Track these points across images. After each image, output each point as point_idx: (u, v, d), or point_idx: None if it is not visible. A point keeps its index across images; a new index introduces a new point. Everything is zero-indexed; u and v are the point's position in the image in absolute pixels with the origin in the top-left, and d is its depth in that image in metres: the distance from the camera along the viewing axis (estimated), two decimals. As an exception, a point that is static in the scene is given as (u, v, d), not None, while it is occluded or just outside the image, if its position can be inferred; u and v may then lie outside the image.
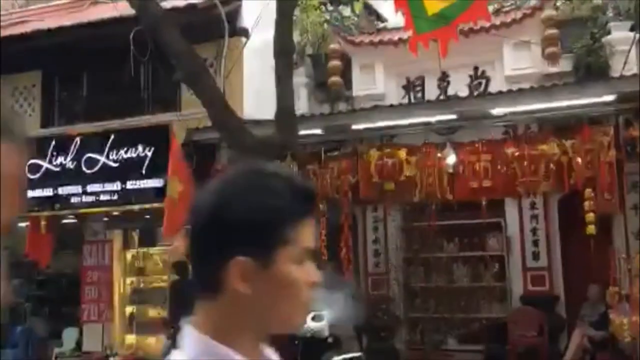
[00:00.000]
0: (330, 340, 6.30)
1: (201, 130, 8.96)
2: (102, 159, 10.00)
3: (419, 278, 10.78)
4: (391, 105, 8.75)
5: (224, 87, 9.16)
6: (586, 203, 8.00)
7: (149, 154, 9.72)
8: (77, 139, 10.18)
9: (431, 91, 9.89)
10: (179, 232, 9.26)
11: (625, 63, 8.44)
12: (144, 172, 9.69)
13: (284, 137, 7.63)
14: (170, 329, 9.09)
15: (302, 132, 8.32)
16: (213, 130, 8.26)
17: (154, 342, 10.31)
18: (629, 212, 9.18)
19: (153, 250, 11.06)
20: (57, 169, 10.22)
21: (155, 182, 9.53)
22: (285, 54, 7.33)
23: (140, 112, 10.12)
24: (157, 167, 9.41)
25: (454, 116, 8.29)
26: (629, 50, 8.54)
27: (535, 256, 10.27)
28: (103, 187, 9.94)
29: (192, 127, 9.12)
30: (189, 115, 9.32)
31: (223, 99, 7.88)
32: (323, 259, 8.81)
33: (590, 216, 8.04)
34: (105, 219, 10.52)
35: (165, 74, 9.13)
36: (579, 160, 8.08)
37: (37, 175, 10.07)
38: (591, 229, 8.02)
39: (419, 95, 10.06)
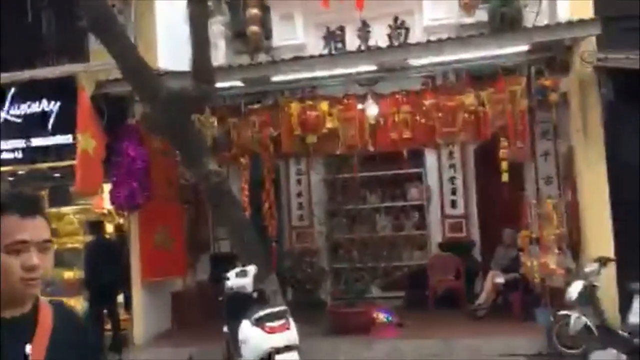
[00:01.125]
0: (254, 295, 6.25)
1: (112, 82, 8.46)
2: (3, 114, 9.30)
3: (342, 229, 10.91)
4: (312, 57, 8.58)
5: (135, 35, 8.66)
6: (501, 152, 8.26)
7: (55, 108, 9.11)
8: (-26, 93, 9.39)
9: (352, 42, 9.78)
10: (96, 189, 8.84)
11: (537, 14, 8.63)
12: (50, 128, 9.11)
13: (201, 90, 7.34)
14: (87, 290, 8.78)
15: (221, 85, 8.04)
16: (125, 83, 7.83)
17: (71, 303, 9.94)
18: (539, 159, 9.59)
19: (65, 210, 10.54)
20: (-47, 126, 9.43)
21: (63, 139, 8.98)
22: (199, 0, 6.97)
23: (44, 63, 9.42)
24: (65, 123, 8.85)
25: (374, 67, 8.24)
26: (541, 2, 8.74)
27: (453, 204, 10.61)
28: (6, 144, 9.28)
29: (101, 78, 8.59)
30: (97, 66, 8.76)
31: (134, 48, 7.44)
32: (247, 213, 8.70)
33: (504, 164, 8.32)
34: (11, 178, 9.87)
35: (69, 21, 8.51)
36: (494, 109, 8.28)
37: None
38: (505, 176, 8.31)
39: (340, 45, 9.93)
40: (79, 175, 8.32)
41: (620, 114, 7.47)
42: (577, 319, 6.81)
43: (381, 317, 8.13)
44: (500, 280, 8.80)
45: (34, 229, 1.53)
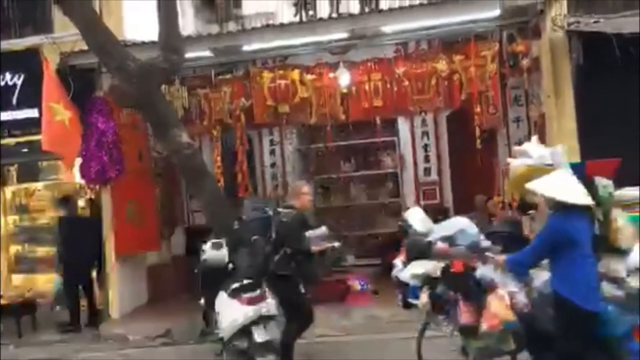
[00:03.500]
0: (230, 267, 6.23)
1: (77, 54, 8.24)
2: (-36, 88, 9.00)
3: (317, 199, 10.90)
4: (282, 24, 8.44)
5: (100, 5, 8.41)
6: (475, 117, 8.29)
7: (19, 81, 8.84)
8: None
9: (323, 9, 9.64)
10: (74, 160, 8.65)
11: (509, -22, 8.58)
12: (15, 102, 8.84)
13: (169, 61, 7.19)
14: (62, 267, 8.69)
15: (190, 55, 7.87)
16: (91, 54, 7.62)
17: (44, 280, 9.84)
18: (511, 125, 9.65)
19: (35, 185, 10.34)
20: None
21: (29, 112, 8.73)
22: (165, -33, 6.78)
23: (6, 34, 9.09)
24: (30, 96, 8.59)
25: (346, 35, 8.15)
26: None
27: (427, 171, 10.68)
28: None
29: (66, 50, 8.35)
30: (62, 37, 8.49)
31: (98, 18, 7.24)
32: (220, 184, 8.63)
33: (477, 130, 8.36)
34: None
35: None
36: (467, 75, 8.28)
37: None
38: (477, 142, 8.37)
39: (311, 13, 9.78)
40: (49, 141, 8.08)
41: (591, 79, 7.52)
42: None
43: (356, 285, 8.20)
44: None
45: None
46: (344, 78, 8.67)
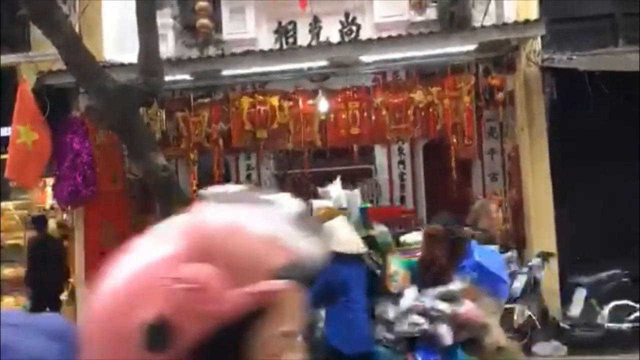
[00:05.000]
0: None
1: (55, 73, 8.17)
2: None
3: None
4: (262, 51, 8.50)
5: (80, 25, 8.38)
6: (451, 148, 8.41)
7: (-5, 99, 8.73)
8: None
9: (303, 37, 9.74)
10: (32, 184, 8.52)
11: (485, 14, 8.80)
12: (-11, 120, 8.72)
13: (148, 83, 7.16)
14: (30, 288, 8.48)
15: (170, 78, 7.88)
16: (69, 74, 7.56)
17: (12, 302, 9.58)
18: (485, 157, 9.79)
19: (6, 204, 10.13)
20: None
21: (3, 131, 8.61)
22: (147, -9, 6.80)
23: (-17, 53, 9.00)
24: (4, 115, 8.48)
25: (325, 62, 8.25)
26: (489, 2, 8.91)
27: (402, 200, 10.73)
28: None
29: (44, 69, 8.28)
30: (39, 56, 8.43)
31: (77, 38, 7.20)
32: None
33: (452, 161, 8.47)
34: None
35: (9, 9, 8.16)
36: (443, 107, 8.42)
37: None
38: (453, 173, 8.47)
39: (291, 40, 9.87)
40: (10, 167, 8.02)
41: (564, 113, 7.70)
42: (521, 312, 7.00)
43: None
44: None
45: None
46: (322, 105, 8.74)
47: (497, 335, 3.88)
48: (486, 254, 4.36)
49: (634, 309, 6.81)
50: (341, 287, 4.01)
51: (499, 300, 4.30)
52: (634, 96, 7.14)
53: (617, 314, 6.73)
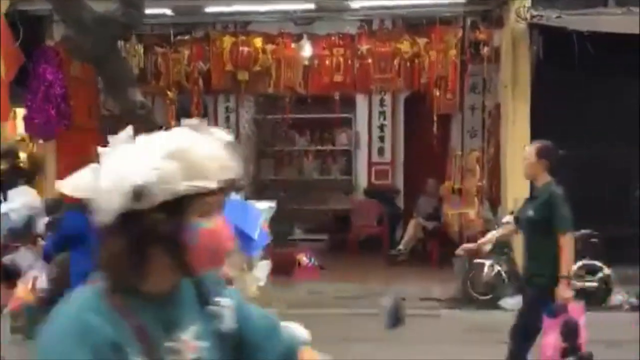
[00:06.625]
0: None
1: (29, -1, 7.81)
2: None
3: (269, 170, 10.81)
4: (247, -11, 8.24)
5: (56, -50, 7.96)
6: (434, 103, 8.35)
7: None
8: None
9: (289, -23, 9.44)
10: (9, 116, 8.25)
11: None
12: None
13: (128, 15, 6.87)
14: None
15: (150, 11, 7.57)
16: (44, 1, 7.22)
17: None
18: (466, 112, 9.77)
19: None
20: None
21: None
22: None
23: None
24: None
25: (311, 6, 8.03)
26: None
27: (381, 151, 10.71)
28: None
29: (17, -6, 7.90)
30: (13, -20, 8.02)
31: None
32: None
33: (434, 115, 8.43)
34: None
35: None
36: (429, 59, 8.31)
37: None
38: (433, 127, 8.45)
39: (277, -20, 9.57)
40: None
41: (549, 73, 7.66)
42: (490, 268, 7.14)
43: (304, 259, 8.21)
44: (425, 224, 9.02)
45: None
46: (305, 50, 8.56)
47: (244, 289, 3.86)
48: (235, 209, 3.86)
49: (600, 269, 6.98)
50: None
51: (248, 256, 4.25)
52: (620, 58, 7.13)
53: (584, 273, 6.90)
